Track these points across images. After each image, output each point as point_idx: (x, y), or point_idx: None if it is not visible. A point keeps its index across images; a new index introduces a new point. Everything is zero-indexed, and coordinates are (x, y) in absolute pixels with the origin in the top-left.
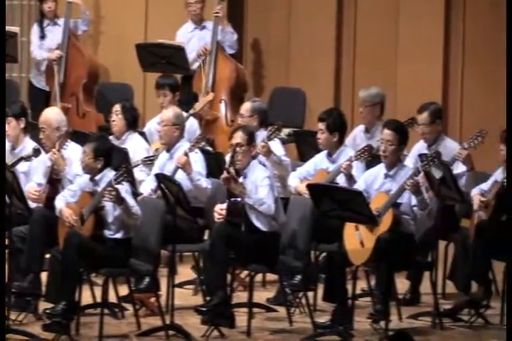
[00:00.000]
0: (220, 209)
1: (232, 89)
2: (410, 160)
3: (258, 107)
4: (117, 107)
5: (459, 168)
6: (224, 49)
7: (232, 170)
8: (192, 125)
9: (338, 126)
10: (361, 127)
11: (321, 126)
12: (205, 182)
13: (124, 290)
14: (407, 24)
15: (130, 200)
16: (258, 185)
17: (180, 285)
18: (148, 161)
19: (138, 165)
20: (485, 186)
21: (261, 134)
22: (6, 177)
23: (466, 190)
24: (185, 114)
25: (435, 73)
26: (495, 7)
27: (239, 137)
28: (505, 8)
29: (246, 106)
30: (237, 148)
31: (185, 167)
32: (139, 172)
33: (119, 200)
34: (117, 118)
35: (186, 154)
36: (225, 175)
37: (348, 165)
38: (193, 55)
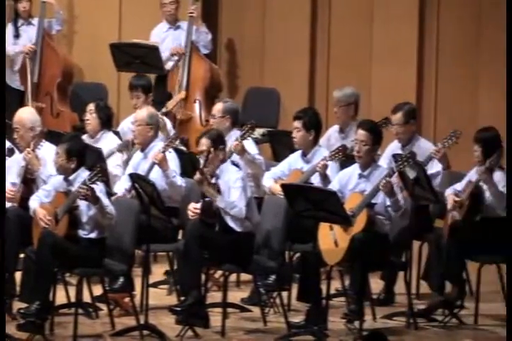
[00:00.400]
0: (193, 208)
1: (207, 89)
2: (384, 161)
3: (230, 107)
4: (91, 106)
5: (433, 168)
6: (198, 49)
7: (205, 171)
8: (165, 125)
9: (314, 124)
10: (335, 127)
11: (297, 124)
12: (180, 180)
13: (98, 290)
14: (382, 26)
15: (105, 200)
16: (231, 186)
17: (155, 285)
18: (124, 147)
19: (113, 152)
20: (459, 186)
21: (234, 134)
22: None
23: (441, 190)
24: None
25: (409, 74)
26: (469, 10)
27: (203, 144)
28: (479, 8)
29: (218, 107)
30: (212, 150)
31: (162, 163)
32: (113, 168)
33: (94, 199)
34: (91, 118)
35: (163, 151)
36: (198, 176)
37: (324, 164)
38: (167, 54)
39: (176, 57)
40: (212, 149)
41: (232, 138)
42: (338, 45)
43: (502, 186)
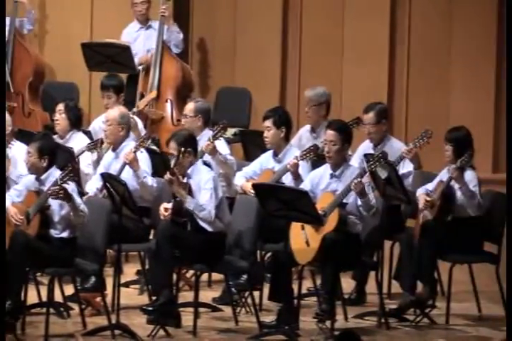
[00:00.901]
0: (165, 208)
1: (178, 88)
2: (356, 160)
3: (201, 107)
4: (60, 106)
5: (405, 168)
6: (170, 48)
7: (176, 171)
8: (137, 124)
9: (284, 121)
10: (307, 127)
11: (268, 123)
12: (151, 181)
13: (69, 290)
14: (353, 24)
15: (77, 198)
16: (202, 187)
17: (126, 284)
18: (93, 146)
19: (83, 151)
20: (430, 186)
21: (206, 134)
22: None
23: (413, 190)
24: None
25: (381, 73)
26: (440, 8)
27: (171, 148)
28: (449, 7)
29: (189, 107)
30: (182, 151)
31: (133, 163)
32: (84, 167)
33: (67, 198)
34: (60, 118)
35: (134, 151)
36: (168, 176)
37: (294, 163)
38: (139, 55)
39: (140, 67)
40: (182, 150)
41: (204, 137)
42: (310, 44)
43: (473, 185)
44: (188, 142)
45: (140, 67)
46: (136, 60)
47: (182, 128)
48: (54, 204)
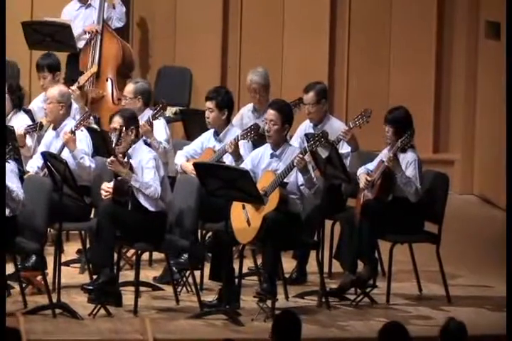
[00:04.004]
0: (106, 187)
1: (119, 67)
2: (296, 140)
3: (141, 88)
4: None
5: (343, 149)
6: (110, 27)
7: (119, 151)
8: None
9: (227, 104)
10: (249, 106)
11: (210, 104)
12: (89, 161)
13: (10, 269)
14: (292, 3)
15: (13, 183)
16: (144, 166)
17: (67, 263)
18: (33, 129)
19: (25, 133)
20: (371, 166)
21: (147, 114)
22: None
23: (351, 171)
24: (72, 88)
25: (321, 51)
26: None
27: (115, 122)
28: None
29: (129, 88)
30: (124, 129)
31: (69, 144)
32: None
33: None
34: None
35: (73, 132)
36: (111, 158)
37: (234, 144)
38: (79, 31)
39: (87, 35)
40: (123, 128)
41: (144, 117)
42: (250, 22)
43: (412, 168)
44: (133, 120)
45: (84, 39)
46: (79, 31)
47: (126, 108)
48: None
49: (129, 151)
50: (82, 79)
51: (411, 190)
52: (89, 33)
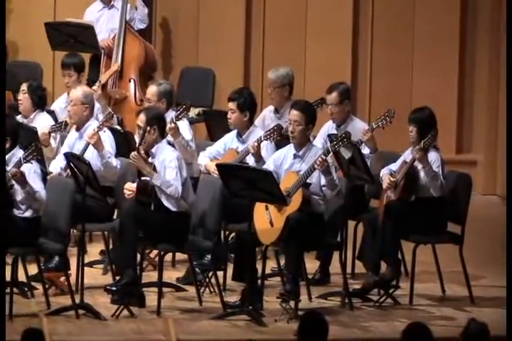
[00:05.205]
0: (129, 187)
1: (141, 68)
2: (319, 140)
3: (164, 90)
4: (24, 86)
5: (365, 149)
6: (133, 28)
7: (142, 149)
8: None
9: (249, 105)
10: (271, 108)
11: (232, 105)
12: (115, 161)
13: (33, 270)
14: (316, 4)
15: (36, 184)
16: (166, 166)
17: (90, 264)
18: (57, 127)
19: (49, 133)
20: (394, 166)
21: (170, 115)
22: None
23: (372, 172)
24: (94, 87)
25: (344, 52)
26: None
27: (139, 120)
28: None
29: (152, 91)
30: (148, 128)
31: (97, 144)
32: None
33: (22, 182)
34: (24, 98)
35: (97, 132)
36: (134, 153)
37: (256, 145)
38: (102, 34)
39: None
40: (148, 128)
41: (167, 118)
42: (273, 24)
43: (436, 166)
44: (157, 120)
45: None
46: (103, 33)
47: (154, 106)
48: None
49: (153, 150)
50: (103, 78)
51: (437, 183)
52: (103, 48)
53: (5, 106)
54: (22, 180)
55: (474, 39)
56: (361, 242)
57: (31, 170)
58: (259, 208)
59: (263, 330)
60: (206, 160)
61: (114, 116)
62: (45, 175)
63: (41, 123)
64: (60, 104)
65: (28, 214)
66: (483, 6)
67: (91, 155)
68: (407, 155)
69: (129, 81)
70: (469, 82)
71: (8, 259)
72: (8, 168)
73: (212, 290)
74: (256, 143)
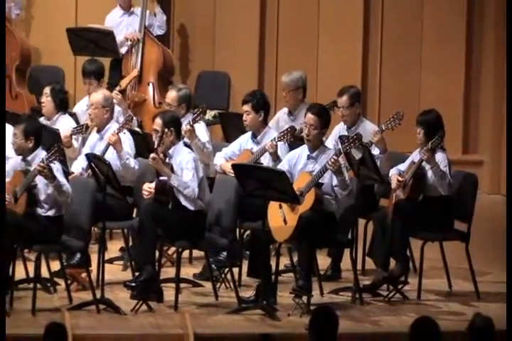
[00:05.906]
0: (148, 188)
1: (160, 72)
2: (331, 142)
3: (183, 95)
4: (47, 90)
5: (375, 150)
6: (152, 33)
7: (160, 151)
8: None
9: (262, 105)
10: (284, 110)
11: (246, 107)
12: (133, 163)
13: (56, 266)
14: (328, 6)
15: (61, 178)
16: (183, 167)
17: (110, 261)
18: (78, 130)
19: (71, 134)
20: (402, 167)
21: (187, 117)
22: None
23: (382, 172)
24: (114, 92)
25: (355, 56)
26: None
27: (155, 123)
28: None
29: (172, 96)
30: (166, 130)
31: (116, 145)
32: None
33: (51, 178)
34: (47, 101)
35: (117, 133)
36: (153, 155)
37: (272, 144)
38: (121, 38)
39: (129, 42)
40: (165, 130)
41: (184, 122)
42: (287, 29)
43: (444, 166)
44: (173, 122)
45: (127, 46)
46: (122, 38)
47: (169, 110)
48: (40, 183)
49: (170, 152)
50: (123, 83)
51: (445, 182)
52: (130, 40)
53: (5, 106)
54: (49, 174)
55: (481, 42)
56: (371, 240)
57: (54, 169)
58: (273, 207)
59: (276, 324)
60: (222, 160)
61: (134, 118)
62: (67, 175)
63: (63, 125)
64: (81, 107)
65: (51, 213)
66: (489, 6)
67: (111, 156)
68: (415, 156)
69: (148, 84)
70: (475, 84)
71: (32, 256)
72: (31, 169)
73: (227, 285)
74: (274, 142)
